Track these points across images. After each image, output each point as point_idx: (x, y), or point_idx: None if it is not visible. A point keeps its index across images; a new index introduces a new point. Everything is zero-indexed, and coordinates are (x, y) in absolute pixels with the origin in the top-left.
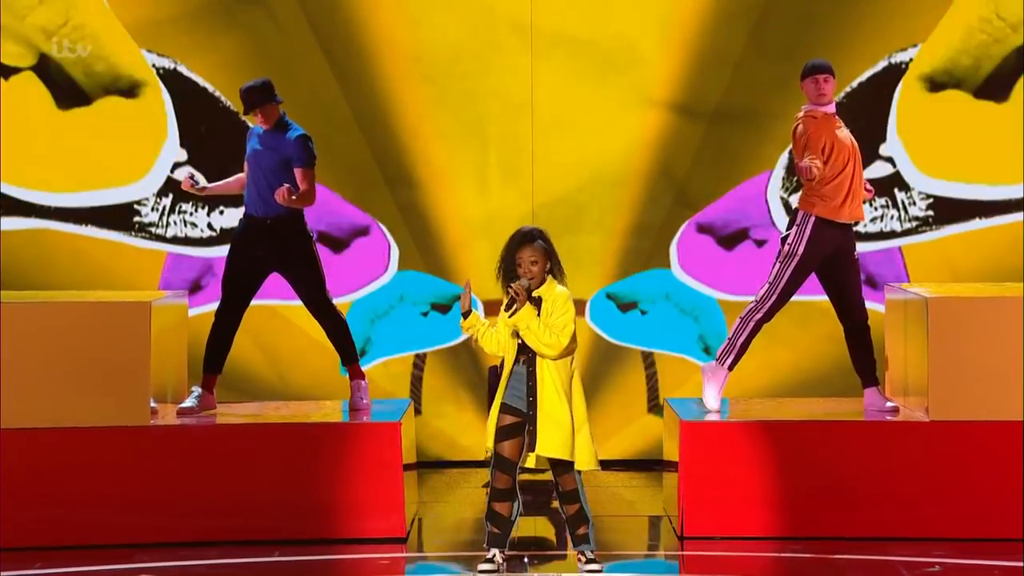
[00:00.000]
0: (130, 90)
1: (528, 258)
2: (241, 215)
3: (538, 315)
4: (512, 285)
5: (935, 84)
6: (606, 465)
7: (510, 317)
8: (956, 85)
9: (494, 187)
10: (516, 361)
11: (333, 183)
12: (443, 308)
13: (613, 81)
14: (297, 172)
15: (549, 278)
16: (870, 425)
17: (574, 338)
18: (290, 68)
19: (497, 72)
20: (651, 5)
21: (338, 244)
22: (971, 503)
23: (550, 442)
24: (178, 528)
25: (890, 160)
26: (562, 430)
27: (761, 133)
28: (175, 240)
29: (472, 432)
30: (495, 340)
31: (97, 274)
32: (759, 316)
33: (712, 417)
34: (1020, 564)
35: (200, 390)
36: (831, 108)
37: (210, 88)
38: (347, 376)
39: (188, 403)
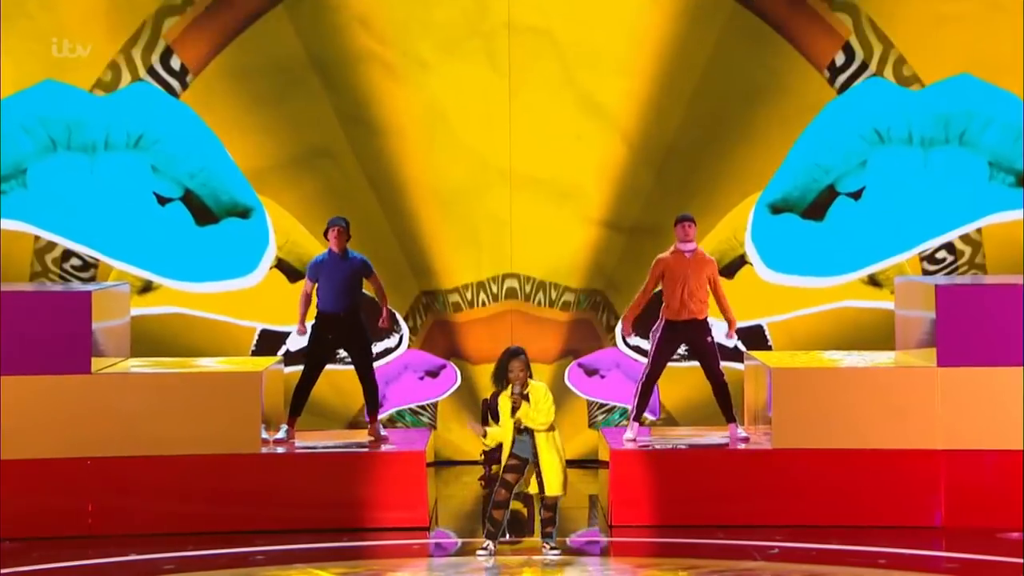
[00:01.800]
0: (244, 213)
1: (518, 368)
2: (316, 314)
3: (528, 404)
4: (513, 396)
5: (775, 209)
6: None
7: (514, 416)
8: (789, 209)
9: (485, 276)
10: (517, 433)
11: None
12: (433, 374)
13: (565, 206)
14: (372, 279)
15: (531, 379)
16: (734, 452)
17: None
18: (348, 199)
19: (487, 200)
20: (589, 155)
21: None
22: (803, 496)
23: (552, 485)
24: (278, 519)
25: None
26: (558, 474)
27: (664, 241)
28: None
29: (471, 441)
30: (500, 435)
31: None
32: (642, 380)
33: (632, 446)
34: (833, 546)
35: (288, 427)
36: (691, 246)
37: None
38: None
39: (281, 435)
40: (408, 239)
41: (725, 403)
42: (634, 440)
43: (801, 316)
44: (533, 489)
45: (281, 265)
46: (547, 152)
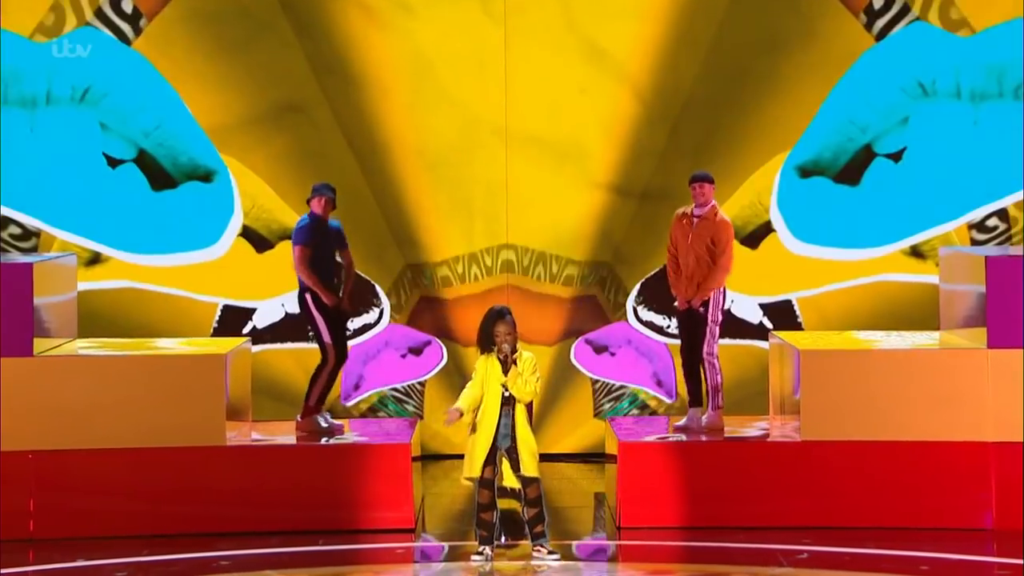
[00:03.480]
0: (206, 176)
1: (505, 332)
2: (331, 303)
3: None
4: (504, 354)
5: (804, 172)
6: (563, 458)
7: (507, 375)
8: (820, 173)
9: (478, 247)
10: (502, 414)
11: (359, 245)
12: (417, 351)
13: (567, 168)
14: (345, 253)
15: (519, 345)
16: (758, 444)
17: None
18: (323, 159)
19: (481, 162)
20: (594, 111)
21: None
22: (835, 493)
23: (530, 465)
24: (245, 519)
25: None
26: (534, 455)
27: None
28: None
29: (461, 432)
30: (472, 398)
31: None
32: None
33: (646, 439)
34: (869, 551)
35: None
36: (701, 210)
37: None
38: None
39: (324, 423)
40: (391, 205)
41: (700, 389)
42: (686, 429)
43: (833, 291)
44: (510, 482)
45: (247, 234)
46: (547, 108)
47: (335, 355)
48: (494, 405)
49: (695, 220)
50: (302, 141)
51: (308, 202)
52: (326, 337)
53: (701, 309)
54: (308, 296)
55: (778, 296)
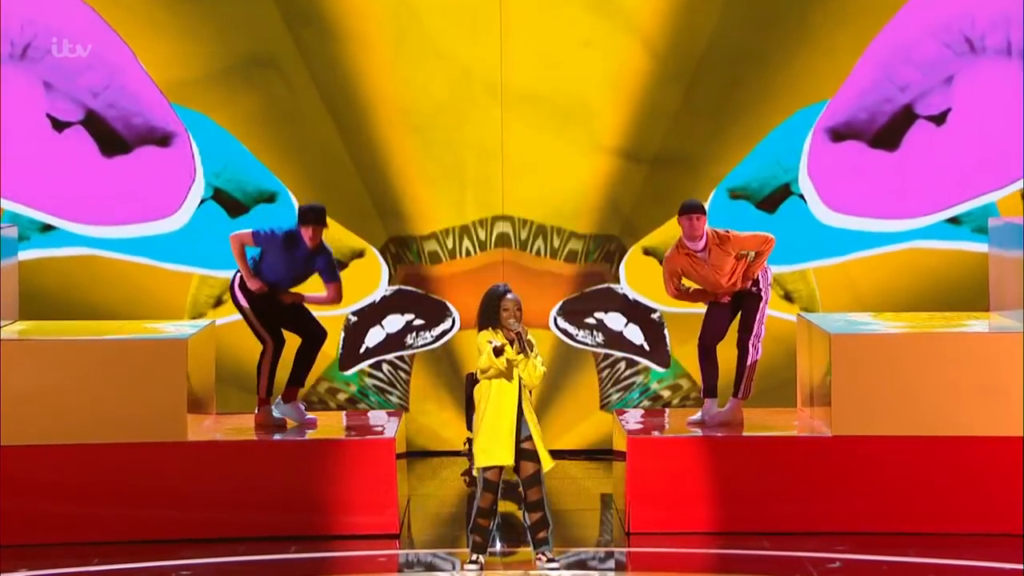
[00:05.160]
0: (163, 140)
1: (515, 306)
2: (255, 288)
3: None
4: (517, 329)
5: (837, 135)
6: (565, 455)
7: (517, 354)
8: (855, 136)
9: (470, 219)
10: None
11: (336, 216)
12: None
13: (569, 131)
14: (331, 286)
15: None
16: (783, 440)
17: None
18: (297, 119)
19: (473, 123)
20: (601, 66)
21: (339, 265)
22: (871, 495)
23: (547, 458)
24: (209, 524)
25: (802, 196)
26: (543, 446)
27: (694, 175)
28: None
29: (452, 426)
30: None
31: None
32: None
33: (655, 433)
34: (910, 559)
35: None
36: (699, 244)
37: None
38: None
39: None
40: (373, 172)
41: (739, 373)
42: (701, 423)
43: (862, 261)
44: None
45: (219, 196)
46: (547, 62)
47: (273, 340)
48: (512, 387)
49: (700, 254)
50: (273, 100)
51: (296, 230)
52: (257, 323)
53: (754, 288)
54: (235, 283)
55: (798, 265)
